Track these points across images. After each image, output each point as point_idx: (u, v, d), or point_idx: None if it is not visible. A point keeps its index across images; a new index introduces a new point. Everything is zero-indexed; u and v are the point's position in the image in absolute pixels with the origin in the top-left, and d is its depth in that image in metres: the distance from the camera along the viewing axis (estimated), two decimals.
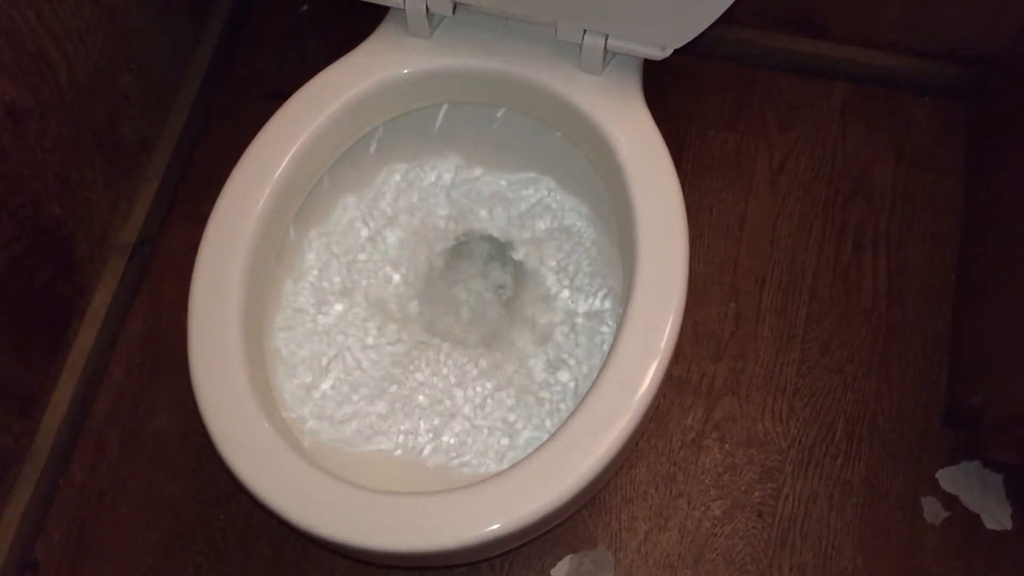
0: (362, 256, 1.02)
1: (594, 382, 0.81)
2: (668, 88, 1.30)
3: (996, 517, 1.10)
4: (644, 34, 0.90)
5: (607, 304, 0.99)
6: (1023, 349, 0.99)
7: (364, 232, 1.03)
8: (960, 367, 1.14)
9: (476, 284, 1.04)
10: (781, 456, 1.13)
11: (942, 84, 1.27)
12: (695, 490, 1.12)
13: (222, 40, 1.32)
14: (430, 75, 0.96)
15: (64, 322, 1.13)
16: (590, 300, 0.99)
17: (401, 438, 0.94)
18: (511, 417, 0.95)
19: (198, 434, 1.13)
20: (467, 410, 0.96)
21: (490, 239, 1.04)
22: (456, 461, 0.93)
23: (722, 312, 1.20)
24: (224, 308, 0.84)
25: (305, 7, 1.38)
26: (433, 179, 1.05)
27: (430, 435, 0.94)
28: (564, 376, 0.96)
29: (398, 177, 1.05)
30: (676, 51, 0.91)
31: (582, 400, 0.80)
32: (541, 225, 1.03)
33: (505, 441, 0.94)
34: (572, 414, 0.80)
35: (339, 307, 0.99)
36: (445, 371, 0.97)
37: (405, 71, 0.95)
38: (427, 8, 0.94)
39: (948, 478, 1.12)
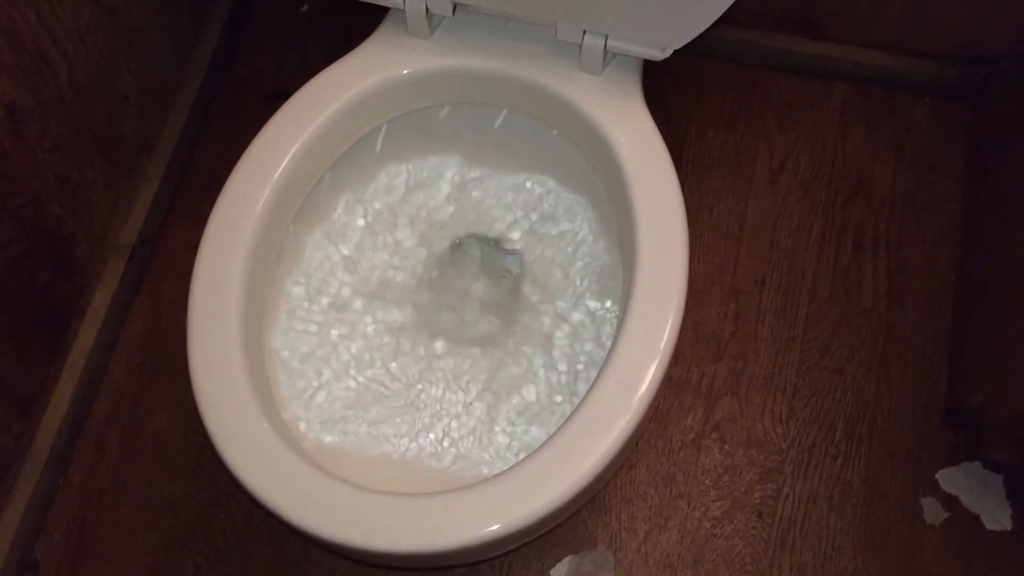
0: (362, 256, 1.02)
1: (594, 382, 0.81)
2: (668, 88, 1.30)
3: (996, 518, 1.10)
4: (644, 35, 0.90)
5: (607, 304, 0.99)
6: (1023, 349, 0.99)
7: (364, 232, 1.03)
8: (960, 367, 1.14)
9: (477, 284, 1.04)
10: (781, 456, 1.13)
11: (942, 84, 1.27)
12: (695, 490, 1.12)
13: (222, 40, 1.32)
14: (430, 75, 0.96)
15: (64, 322, 1.13)
16: (590, 300, 0.99)
17: (401, 440, 0.94)
18: (512, 418, 0.95)
19: (198, 434, 1.13)
20: (467, 411, 0.96)
21: (490, 239, 1.04)
22: (456, 462, 0.93)
23: (722, 312, 1.20)
24: (224, 308, 0.84)
25: (305, 7, 1.38)
26: (433, 179, 1.05)
27: (430, 437, 0.95)
28: (564, 376, 0.96)
29: (398, 177, 1.05)
30: (676, 51, 0.91)
31: (582, 400, 0.80)
32: (541, 225, 1.03)
33: (505, 442, 0.94)
34: (572, 414, 0.80)
35: (339, 307, 0.99)
36: (445, 372, 0.97)
37: (405, 71, 0.95)
38: (427, 8, 0.94)
39: (948, 479, 1.12)
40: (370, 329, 0.99)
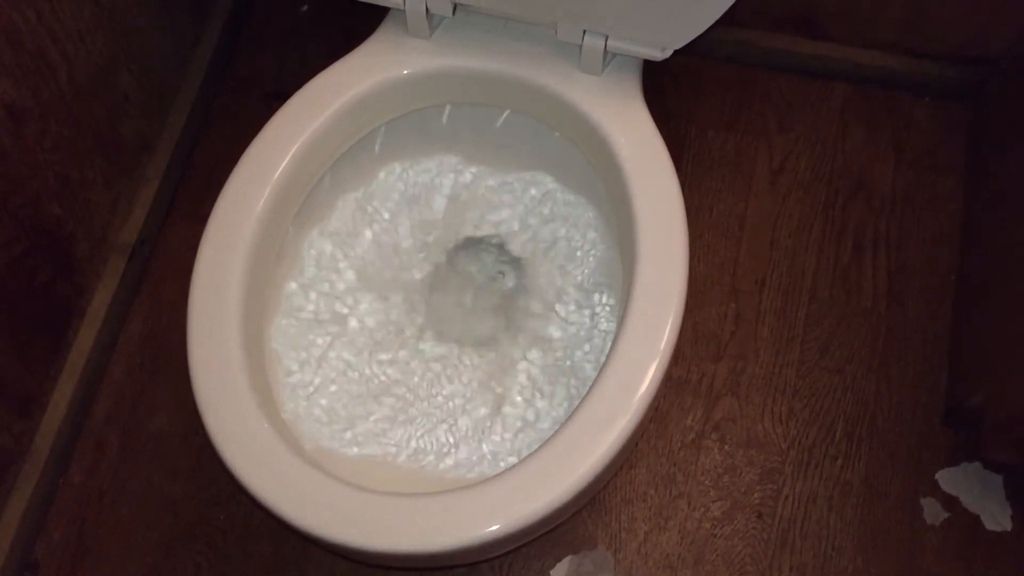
0: (362, 257, 1.02)
1: (594, 382, 0.81)
2: (668, 88, 1.30)
3: (996, 518, 1.10)
4: (644, 35, 0.90)
5: (607, 304, 0.99)
6: (1023, 349, 0.99)
7: (364, 233, 1.03)
8: (960, 367, 1.14)
9: (477, 285, 1.04)
10: (781, 457, 1.13)
11: (942, 85, 1.27)
12: (695, 491, 1.12)
13: (222, 40, 1.32)
14: (430, 76, 0.96)
15: (64, 322, 1.13)
16: (591, 300, 0.99)
17: (401, 441, 0.94)
18: (512, 419, 0.95)
19: (198, 434, 1.13)
20: (467, 412, 0.96)
21: (490, 239, 1.04)
22: (456, 463, 0.93)
23: (722, 313, 1.20)
24: (224, 308, 0.84)
25: (305, 7, 1.38)
26: (433, 179, 1.05)
27: (430, 438, 0.94)
28: (564, 377, 0.96)
29: (398, 177, 1.05)
30: (676, 51, 0.91)
31: (582, 400, 0.80)
32: (542, 225, 1.03)
33: (505, 442, 0.94)
34: (571, 415, 0.80)
35: (339, 308, 0.99)
36: (445, 373, 0.97)
37: (405, 72, 0.95)
38: (427, 9, 0.94)
39: (948, 479, 1.12)
40: (370, 329, 0.99)
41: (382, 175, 1.04)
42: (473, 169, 1.05)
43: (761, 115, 1.29)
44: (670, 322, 0.83)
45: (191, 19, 1.28)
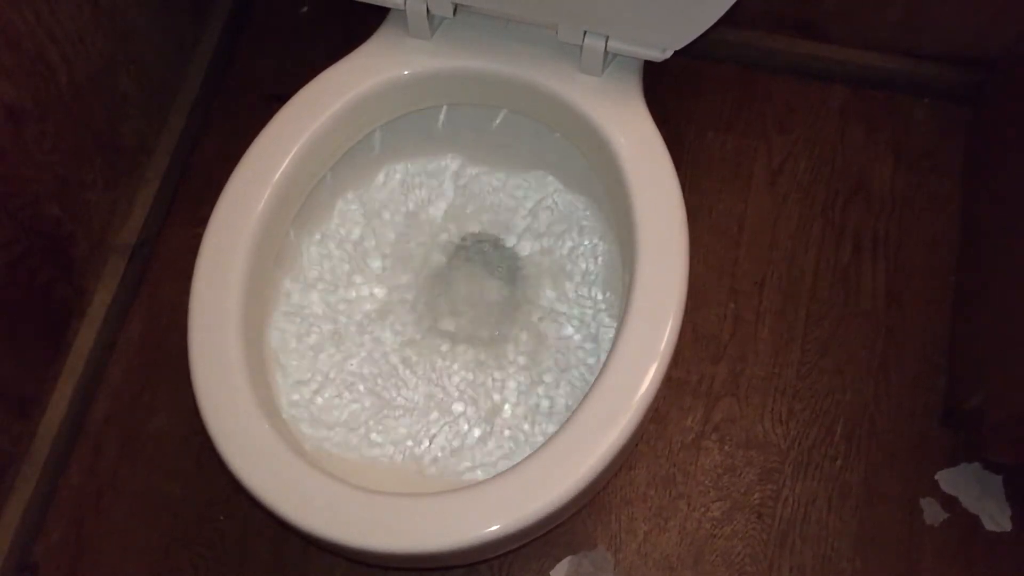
0: (362, 257, 1.02)
1: (594, 383, 0.81)
2: (668, 89, 1.30)
3: (995, 519, 1.10)
4: (644, 36, 0.90)
5: (607, 304, 0.99)
6: (1022, 350, 0.99)
7: (364, 233, 1.03)
8: (959, 368, 1.14)
9: (477, 285, 1.04)
10: (780, 457, 1.13)
11: (941, 86, 1.27)
12: (695, 491, 1.12)
13: (222, 41, 1.32)
14: (431, 76, 0.96)
15: (63, 323, 1.13)
16: (591, 300, 0.99)
17: (401, 442, 0.94)
18: (512, 419, 0.95)
19: (198, 435, 1.13)
20: (468, 413, 0.96)
21: (491, 239, 1.04)
22: (456, 464, 0.93)
23: (721, 313, 1.20)
24: (224, 309, 0.84)
25: (305, 8, 1.38)
26: (433, 179, 1.05)
27: (430, 439, 0.94)
28: (564, 377, 0.96)
29: (398, 178, 1.05)
30: (676, 52, 0.91)
31: (582, 401, 0.80)
32: (542, 225, 1.03)
33: (505, 443, 0.94)
34: (571, 415, 0.80)
35: (339, 308, 0.99)
36: (445, 373, 0.97)
37: (406, 72, 0.95)
38: (428, 9, 0.94)
39: (947, 480, 1.12)
40: (369, 330, 0.99)
41: (382, 175, 1.04)
42: (474, 169, 1.05)
43: (761, 116, 1.29)
44: (670, 323, 0.83)
45: (191, 20, 1.28)
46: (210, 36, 1.31)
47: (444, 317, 1.02)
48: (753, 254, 1.22)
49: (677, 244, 0.86)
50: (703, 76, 1.31)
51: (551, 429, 0.94)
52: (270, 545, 1.11)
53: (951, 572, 1.08)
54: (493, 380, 0.97)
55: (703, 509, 1.11)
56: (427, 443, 0.94)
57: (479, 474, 0.92)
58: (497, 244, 1.04)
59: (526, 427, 0.95)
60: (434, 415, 0.96)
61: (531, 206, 1.04)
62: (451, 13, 0.95)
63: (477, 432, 0.95)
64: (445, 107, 1.01)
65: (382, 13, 0.98)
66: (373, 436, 0.94)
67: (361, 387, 0.96)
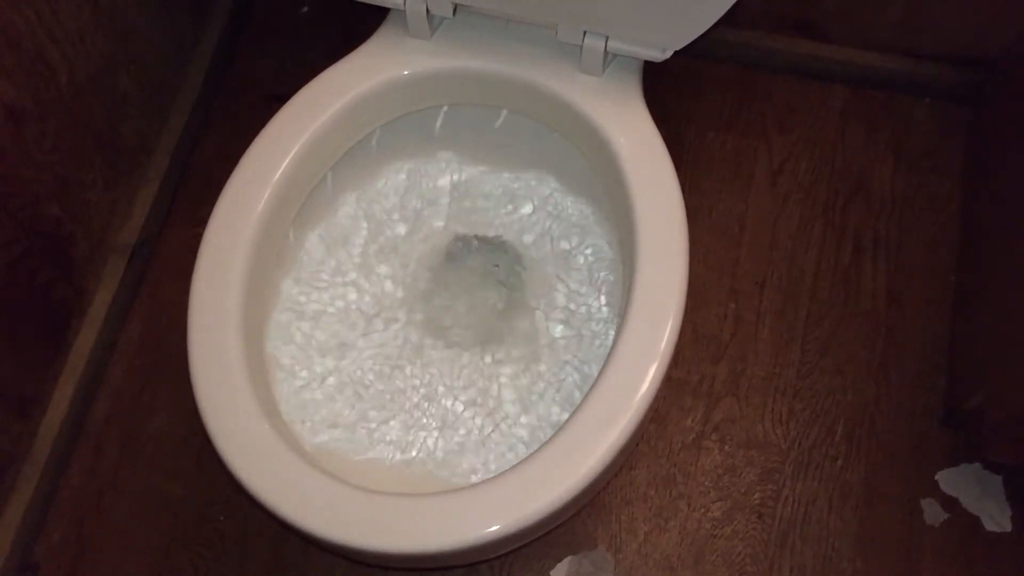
0: (362, 257, 1.02)
1: (594, 383, 0.81)
2: (667, 89, 1.30)
3: (995, 519, 1.10)
4: (645, 36, 0.90)
5: (607, 305, 0.99)
6: (1022, 350, 0.99)
7: (364, 233, 1.03)
8: (959, 368, 1.14)
9: (477, 285, 1.04)
10: (781, 458, 1.13)
11: (941, 86, 1.27)
12: (695, 491, 1.12)
13: (222, 41, 1.32)
14: (430, 76, 0.96)
15: (64, 323, 1.13)
16: (590, 301, 0.99)
17: (401, 442, 0.94)
18: (512, 418, 0.95)
19: (197, 435, 1.13)
20: (467, 413, 0.96)
21: (490, 239, 1.04)
22: (456, 465, 0.93)
23: (722, 314, 1.20)
24: (224, 309, 0.84)
25: (305, 8, 1.38)
26: (434, 179, 1.05)
27: (430, 440, 0.94)
28: (564, 377, 0.96)
29: (398, 178, 1.05)
30: (676, 52, 0.91)
31: (582, 401, 0.80)
32: (542, 225, 1.03)
33: (505, 443, 0.94)
34: (571, 415, 0.80)
35: (339, 308, 0.99)
36: (445, 374, 0.97)
37: (405, 72, 0.95)
38: (427, 9, 0.94)
39: (948, 480, 1.12)
40: (369, 330, 0.99)
41: (382, 175, 1.04)
42: (473, 169, 1.05)
43: (761, 116, 1.29)
44: (670, 323, 0.83)
45: (191, 20, 1.28)
46: (210, 36, 1.31)
47: (444, 317, 1.02)
48: (753, 254, 1.22)
49: (677, 244, 0.86)
50: (703, 76, 1.31)
51: (550, 429, 0.94)
52: (270, 545, 1.11)
53: (951, 572, 1.08)
54: (492, 380, 0.97)
55: (703, 509, 1.11)
56: (427, 443, 0.94)
57: (479, 474, 0.92)
58: (497, 244, 1.04)
59: (525, 427, 0.95)
60: (434, 415, 0.95)
61: (531, 206, 1.04)
62: (451, 13, 0.95)
63: (477, 432, 0.95)
64: (445, 107, 1.01)
65: (382, 13, 0.98)
66: (373, 436, 0.94)
67: (361, 387, 0.96)
